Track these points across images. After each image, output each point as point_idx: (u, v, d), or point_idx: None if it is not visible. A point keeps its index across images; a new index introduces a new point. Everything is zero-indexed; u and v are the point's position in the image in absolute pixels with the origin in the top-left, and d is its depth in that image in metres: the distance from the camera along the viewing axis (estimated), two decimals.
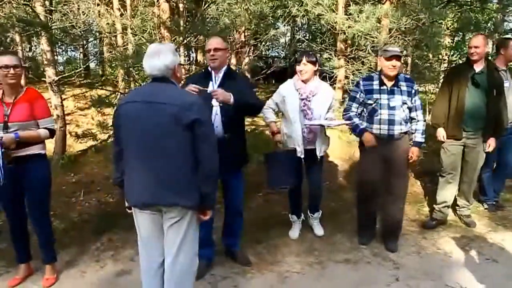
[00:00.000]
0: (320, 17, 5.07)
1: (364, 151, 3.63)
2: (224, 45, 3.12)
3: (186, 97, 2.29)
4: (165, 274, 2.44)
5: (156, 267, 2.48)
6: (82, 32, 5.29)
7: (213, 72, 3.15)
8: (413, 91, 3.52)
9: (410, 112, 3.52)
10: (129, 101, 2.31)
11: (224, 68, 3.14)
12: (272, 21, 7.65)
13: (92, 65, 12.58)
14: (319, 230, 3.98)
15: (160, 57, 2.27)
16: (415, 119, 3.56)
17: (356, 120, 3.55)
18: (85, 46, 10.21)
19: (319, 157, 3.72)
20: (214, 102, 2.96)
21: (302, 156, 3.68)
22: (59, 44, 10.10)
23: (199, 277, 3.18)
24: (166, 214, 2.35)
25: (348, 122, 3.58)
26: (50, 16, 5.13)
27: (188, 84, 3.07)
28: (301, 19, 5.75)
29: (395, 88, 3.47)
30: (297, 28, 14.50)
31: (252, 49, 8.72)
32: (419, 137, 3.57)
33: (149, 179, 2.25)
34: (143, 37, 4.54)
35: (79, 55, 14.18)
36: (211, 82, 3.10)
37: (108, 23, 5.09)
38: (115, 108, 2.42)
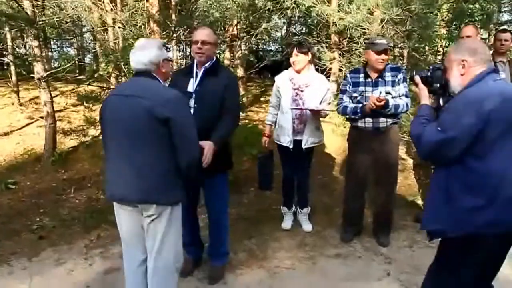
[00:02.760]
0: (311, 9, 5.01)
1: (352, 144, 3.60)
2: (213, 38, 2.86)
3: (163, 92, 2.23)
4: (148, 271, 2.41)
5: (138, 265, 2.45)
6: (70, 27, 5.19)
7: (195, 67, 2.89)
8: (397, 79, 3.44)
9: None
10: (113, 94, 2.34)
11: (207, 63, 2.85)
12: (267, 14, 7.55)
13: (88, 60, 12.47)
14: (307, 226, 3.94)
15: (145, 51, 2.26)
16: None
17: (352, 105, 3.47)
18: (79, 42, 10.07)
19: (304, 148, 3.67)
20: (191, 102, 2.79)
21: (291, 147, 3.66)
22: (50, 40, 9.95)
23: (188, 274, 3.14)
24: (144, 212, 2.31)
25: (347, 112, 3.49)
26: (36, 11, 5.02)
27: (173, 79, 2.99)
28: (292, 11, 5.66)
29: (379, 79, 3.44)
30: (293, 22, 14.39)
31: (244, 42, 8.64)
32: (391, 102, 3.34)
33: (125, 174, 2.23)
34: (131, 31, 4.46)
35: (74, 51, 14.05)
36: (191, 79, 2.85)
37: (97, 18, 5.00)
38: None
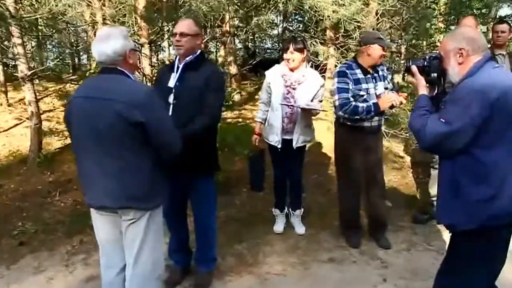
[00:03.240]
0: (304, 1, 4.82)
1: (349, 144, 3.40)
2: (193, 30, 2.65)
3: (133, 92, 2.02)
4: (126, 279, 2.25)
5: (117, 272, 2.30)
6: (56, 24, 5.01)
7: (178, 61, 2.73)
8: (385, 73, 3.43)
9: None
10: (77, 96, 2.12)
11: (189, 57, 2.67)
12: (260, 9, 7.34)
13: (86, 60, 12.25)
14: (300, 229, 3.76)
15: (109, 41, 2.04)
16: None
17: (362, 104, 3.20)
18: (65, 39, 9.85)
19: (294, 147, 3.49)
20: (170, 98, 2.62)
21: (279, 146, 3.48)
22: (46, 39, 9.75)
23: (175, 284, 2.98)
24: (122, 217, 2.16)
25: (359, 112, 3.18)
26: (17, 7, 4.84)
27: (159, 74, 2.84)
28: (285, 5, 5.47)
29: (376, 74, 3.31)
30: (289, 20, 14.28)
31: (239, 39, 8.46)
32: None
33: (102, 181, 2.07)
34: (112, 25, 4.28)
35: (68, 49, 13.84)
36: (172, 74, 2.69)
37: (80, 14, 4.82)
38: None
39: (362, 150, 3.38)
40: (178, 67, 2.70)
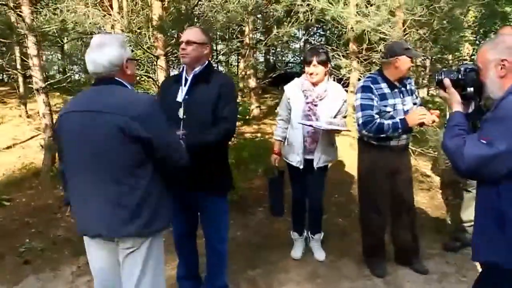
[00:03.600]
0: (326, 12, 4.58)
1: (374, 165, 3.11)
2: (200, 38, 2.45)
3: (132, 102, 1.83)
4: None
5: None
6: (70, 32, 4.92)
7: (185, 73, 2.53)
8: (413, 88, 3.17)
9: None
10: (68, 110, 1.91)
11: (197, 67, 2.48)
12: (282, 23, 7.16)
13: None
14: (320, 255, 3.47)
15: (103, 50, 1.85)
16: None
17: (388, 121, 2.92)
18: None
19: (315, 168, 3.22)
20: (180, 113, 2.43)
21: (301, 167, 3.22)
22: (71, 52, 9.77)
23: None
24: (120, 245, 1.94)
25: (384, 130, 2.91)
26: (33, 18, 4.78)
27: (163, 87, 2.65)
28: (305, 15, 5.26)
29: (404, 88, 3.05)
30: (311, 33, 14.17)
31: (260, 52, 8.31)
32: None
33: (96, 206, 1.86)
34: (128, 36, 4.15)
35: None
36: (180, 87, 2.48)
37: (102, 26, 4.72)
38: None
39: (389, 171, 3.10)
40: (186, 80, 2.50)
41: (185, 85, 2.48)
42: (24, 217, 4.42)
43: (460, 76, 1.90)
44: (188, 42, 2.42)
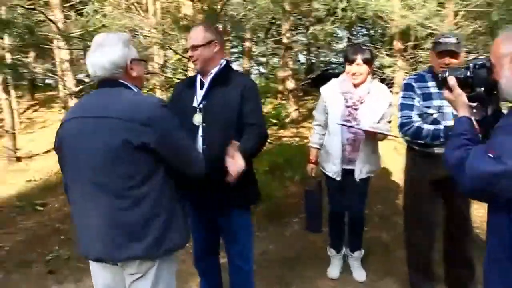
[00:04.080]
0: (367, 6, 4.22)
1: (414, 170, 2.76)
2: (203, 38, 2.17)
3: (140, 105, 1.61)
4: None
5: None
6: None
7: (199, 77, 2.29)
8: None
9: None
10: (69, 118, 1.71)
11: (214, 69, 2.24)
12: (323, 22, 6.82)
13: None
14: (360, 275, 3.13)
15: (104, 51, 1.64)
16: None
17: (429, 126, 2.56)
18: None
19: (357, 180, 2.89)
20: (196, 118, 2.19)
21: (339, 179, 2.89)
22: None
23: None
24: (125, 270, 1.72)
25: (421, 135, 2.56)
26: (66, 22, 4.76)
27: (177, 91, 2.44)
28: (345, 12, 4.91)
29: None
30: (354, 33, 13.82)
31: (302, 53, 8.02)
32: None
33: (99, 225, 1.65)
34: (155, 37, 3.99)
35: None
36: (197, 91, 2.25)
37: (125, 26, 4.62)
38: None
39: (438, 181, 2.69)
40: (202, 83, 2.26)
41: (201, 89, 2.24)
42: (55, 223, 4.39)
43: (468, 74, 1.56)
44: (193, 48, 2.19)
